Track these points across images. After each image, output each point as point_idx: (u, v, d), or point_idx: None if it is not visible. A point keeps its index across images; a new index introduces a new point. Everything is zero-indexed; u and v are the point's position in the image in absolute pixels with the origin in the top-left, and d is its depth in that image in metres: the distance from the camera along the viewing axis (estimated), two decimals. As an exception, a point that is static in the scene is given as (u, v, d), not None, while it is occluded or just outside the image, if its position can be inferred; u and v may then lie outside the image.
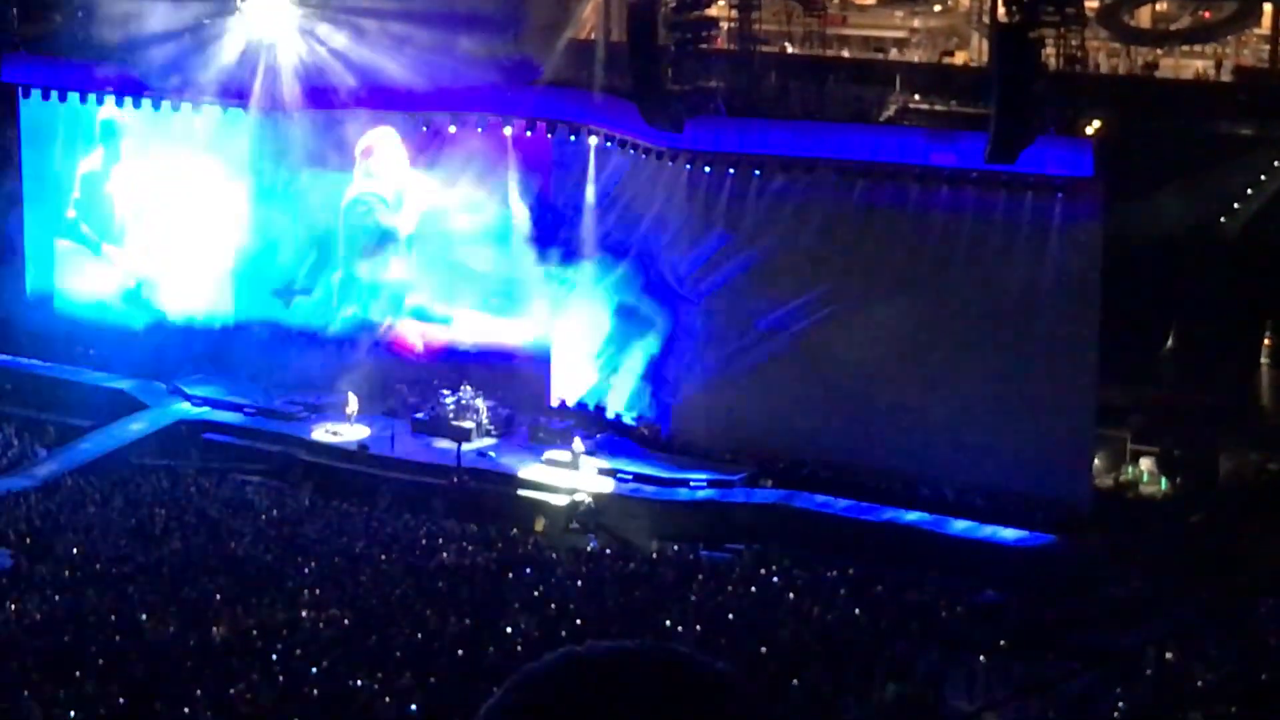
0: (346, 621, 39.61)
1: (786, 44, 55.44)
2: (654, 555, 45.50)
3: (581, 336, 52.87)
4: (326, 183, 55.56)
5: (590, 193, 52.08)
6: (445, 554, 44.50)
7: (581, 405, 53.18)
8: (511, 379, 53.47)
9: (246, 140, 55.88)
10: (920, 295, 47.30)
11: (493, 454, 50.48)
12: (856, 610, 41.45)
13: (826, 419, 48.46)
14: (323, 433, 52.71)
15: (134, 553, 43.91)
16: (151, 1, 52.75)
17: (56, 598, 40.81)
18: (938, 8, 58.54)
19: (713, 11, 50.41)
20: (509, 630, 39.17)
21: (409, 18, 51.31)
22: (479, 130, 53.54)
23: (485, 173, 53.58)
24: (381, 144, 54.86)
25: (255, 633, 38.82)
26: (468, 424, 51.99)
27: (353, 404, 53.05)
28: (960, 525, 46.00)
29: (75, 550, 44.05)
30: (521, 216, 53.42)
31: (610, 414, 52.63)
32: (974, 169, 46.06)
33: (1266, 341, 50.14)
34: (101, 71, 56.31)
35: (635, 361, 51.80)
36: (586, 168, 52.05)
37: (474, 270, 54.28)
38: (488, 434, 52.12)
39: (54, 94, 58.15)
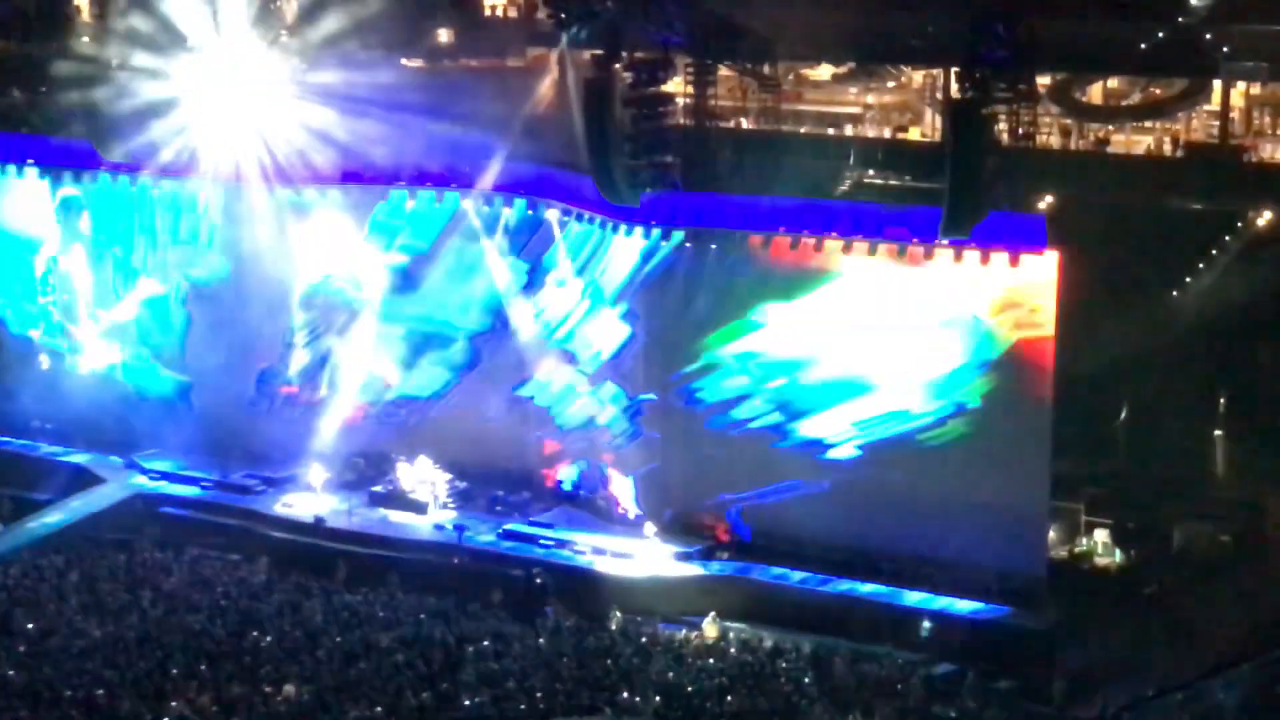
0: (304, 697, 39.55)
1: (742, 120, 55.83)
2: (612, 628, 45.50)
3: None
4: (283, 257, 55.66)
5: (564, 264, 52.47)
6: (403, 628, 44.45)
7: (539, 477, 53.47)
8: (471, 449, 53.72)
9: (201, 213, 56.05)
10: (875, 368, 47.61)
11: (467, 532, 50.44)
12: (810, 681, 41.57)
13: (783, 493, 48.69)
14: (279, 506, 52.69)
15: (90, 628, 43.72)
16: (113, 76, 52.86)
17: (12, 673, 40.62)
18: (891, 84, 58.94)
19: (669, 88, 50.73)
20: (467, 704, 39.16)
21: (368, 99, 51.45)
22: (437, 205, 53.86)
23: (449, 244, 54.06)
24: (337, 223, 54.96)
25: (213, 708, 38.74)
26: (425, 497, 52.13)
27: (318, 475, 53.15)
28: (916, 597, 46.15)
29: (31, 625, 43.84)
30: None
31: (566, 486, 52.85)
32: (927, 243, 46.43)
33: (1220, 412, 50.47)
34: (61, 147, 56.81)
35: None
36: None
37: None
38: (445, 507, 52.18)
39: (13, 169, 58.28)
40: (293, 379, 56.60)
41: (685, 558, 48.95)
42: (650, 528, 49.53)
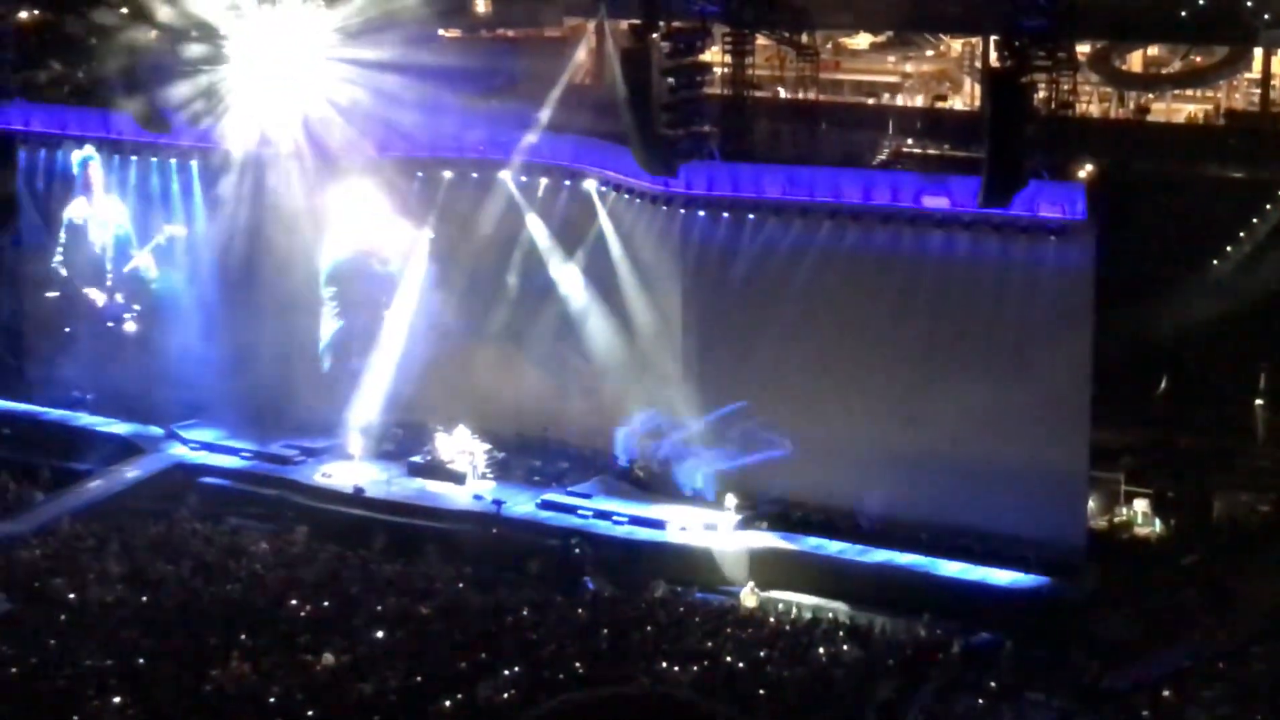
0: (342, 665, 39.67)
1: (780, 89, 55.72)
2: (652, 597, 45.52)
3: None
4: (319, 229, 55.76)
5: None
6: (440, 597, 44.56)
7: (575, 448, 53.51)
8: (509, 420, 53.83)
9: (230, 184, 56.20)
10: (913, 340, 47.44)
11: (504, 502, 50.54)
12: (849, 650, 41.57)
13: (821, 463, 48.55)
14: (318, 476, 52.83)
15: (130, 597, 43.93)
16: (150, 46, 52.98)
17: (52, 642, 40.82)
18: (930, 53, 58.89)
19: (706, 57, 50.65)
20: (505, 673, 39.22)
21: (405, 70, 51.42)
22: (474, 176, 53.87)
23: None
24: (374, 195, 54.98)
25: (252, 677, 38.87)
26: (463, 467, 52.20)
27: (357, 445, 53.34)
28: (954, 567, 46.06)
29: (71, 594, 44.06)
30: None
31: (605, 456, 52.86)
32: (967, 212, 46.26)
33: (1260, 382, 50.26)
34: (99, 117, 57.14)
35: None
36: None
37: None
38: (483, 477, 52.24)
39: (52, 140, 58.57)
40: (323, 349, 56.73)
41: (730, 528, 48.81)
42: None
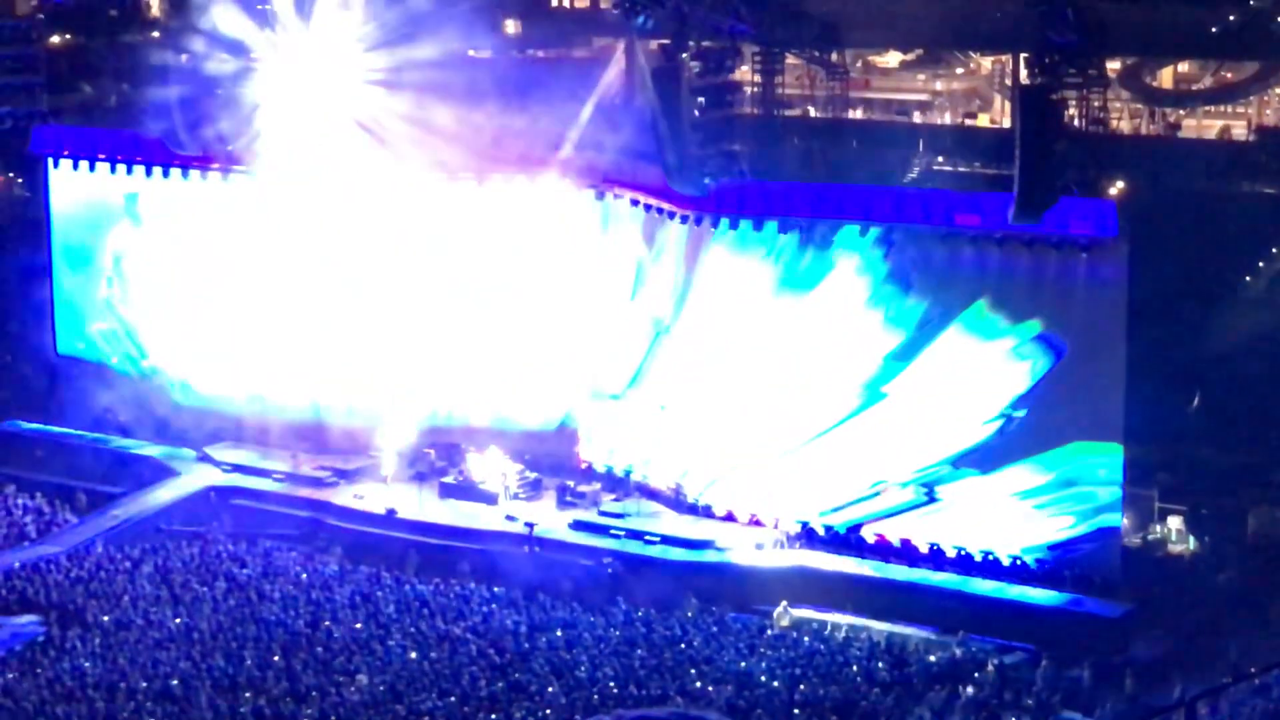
0: (377, 687, 39.73)
1: (810, 108, 55.78)
2: (684, 616, 45.46)
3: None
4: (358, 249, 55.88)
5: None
6: (474, 618, 44.58)
7: (608, 468, 53.48)
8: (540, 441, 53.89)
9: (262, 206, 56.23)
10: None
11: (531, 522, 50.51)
12: (882, 669, 41.51)
13: (853, 481, 48.52)
14: (351, 497, 52.87)
15: (164, 619, 44.06)
16: (181, 69, 53.16)
17: (87, 665, 40.97)
18: (960, 70, 58.86)
19: (736, 76, 50.70)
20: (538, 695, 39.23)
21: (436, 89, 51.55)
22: (506, 194, 53.94)
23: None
24: (397, 213, 55.06)
25: (287, 699, 38.96)
26: (495, 488, 52.18)
27: (389, 465, 53.37)
28: (988, 585, 45.94)
29: (106, 617, 44.21)
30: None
31: (637, 476, 52.77)
32: (998, 229, 46.17)
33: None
34: (129, 140, 57.19)
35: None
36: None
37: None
38: (515, 497, 52.22)
39: (83, 164, 58.55)
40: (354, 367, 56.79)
41: (769, 547, 48.75)
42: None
